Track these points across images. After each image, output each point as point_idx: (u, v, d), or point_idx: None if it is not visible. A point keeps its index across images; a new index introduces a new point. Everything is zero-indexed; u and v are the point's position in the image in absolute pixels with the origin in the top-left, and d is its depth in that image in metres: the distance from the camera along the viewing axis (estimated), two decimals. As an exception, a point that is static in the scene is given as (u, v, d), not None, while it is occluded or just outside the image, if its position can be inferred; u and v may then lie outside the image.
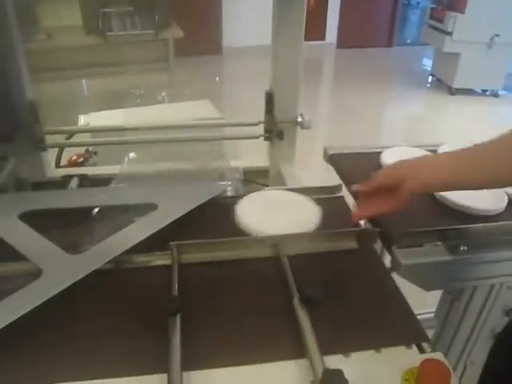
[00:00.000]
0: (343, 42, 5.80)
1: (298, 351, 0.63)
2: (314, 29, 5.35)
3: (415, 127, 3.96)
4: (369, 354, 0.64)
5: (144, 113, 2.22)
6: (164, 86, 3.54)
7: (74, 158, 2.03)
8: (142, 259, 0.78)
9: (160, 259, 0.78)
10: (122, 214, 0.87)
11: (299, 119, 1.28)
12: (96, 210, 0.88)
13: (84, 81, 3.21)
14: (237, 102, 3.34)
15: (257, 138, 1.33)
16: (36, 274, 0.72)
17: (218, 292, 0.73)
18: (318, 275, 0.78)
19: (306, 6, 1.20)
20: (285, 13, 1.18)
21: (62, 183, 1.28)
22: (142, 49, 3.45)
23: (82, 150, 2.04)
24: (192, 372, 0.59)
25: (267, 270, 0.78)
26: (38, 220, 0.85)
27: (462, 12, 4.08)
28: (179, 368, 0.57)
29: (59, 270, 0.72)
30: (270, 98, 1.27)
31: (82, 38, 3.21)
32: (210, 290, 0.73)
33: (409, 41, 6.52)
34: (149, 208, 0.87)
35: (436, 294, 1.10)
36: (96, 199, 0.90)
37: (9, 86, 1.19)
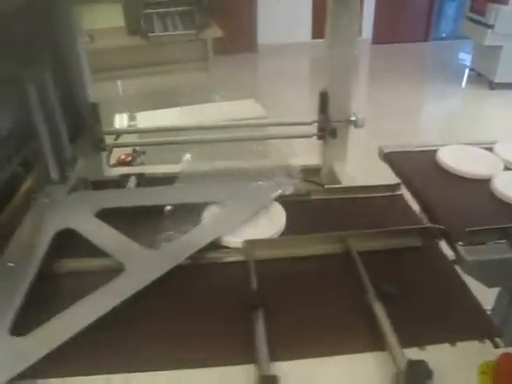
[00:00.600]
0: (379, 37, 5.75)
1: (374, 344, 0.65)
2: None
3: (455, 123, 3.91)
4: (444, 347, 0.65)
5: (191, 112, 2.27)
6: (204, 85, 3.59)
7: (123, 157, 2.08)
8: (215, 255, 0.82)
9: (232, 255, 0.82)
10: (191, 213, 0.91)
11: (353, 118, 1.30)
12: (167, 207, 0.92)
13: (127, 81, 3.28)
14: (276, 98, 3.36)
15: (310, 136, 1.35)
16: (118, 269, 0.76)
17: (292, 287, 0.76)
18: (386, 271, 0.80)
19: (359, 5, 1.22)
20: (340, 13, 1.20)
21: (120, 182, 1.33)
22: (182, 48, 3.51)
23: (129, 149, 2.10)
24: (278, 363, 0.62)
25: (337, 266, 0.81)
26: (112, 217, 0.89)
27: (506, 4, 4.00)
28: (267, 358, 0.60)
29: (141, 265, 0.76)
30: (324, 98, 1.28)
31: (124, 39, 3.28)
32: (284, 284, 0.76)
33: (444, 34, 6.42)
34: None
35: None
36: (166, 198, 0.94)
37: (73, 87, 1.24)
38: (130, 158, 2.10)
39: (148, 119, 2.14)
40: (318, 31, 5.49)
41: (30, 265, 0.76)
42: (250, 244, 0.80)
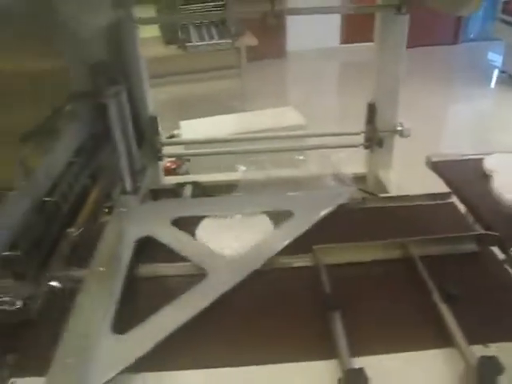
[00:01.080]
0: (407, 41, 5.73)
1: (441, 342, 0.70)
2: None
3: (486, 125, 3.90)
4: (508, 345, 0.70)
5: (232, 120, 2.34)
6: (239, 91, 3.68)
7: (168, 164, 2.16)
8: (286, 261, 0.89)
9: (300, 261, 0.89)
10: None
11: (399, 128, 1.35)
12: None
13: (164, 88, 3.38)
14: (307, 104, 3.42)
15: (357, 146, 1.42)
16: (199, 274, 0.84)
17: (360, 289, 0.82)
18: (446, 275, 0.85)
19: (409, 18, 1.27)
20: (389, 25, 1.26)
21: (176, 190, 1.41)
22: (217, 56, 3.59)
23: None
24: (356, 358, 0.68)
25: (399, 270, 0.87)
26: (185, 226, 0.97)
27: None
28: (348, 353, 0.67)
29: (223, 270, 0.83)
30: (372, 109, 1.35)
31: (161, 49, 3.38)
32: (352, 287, 0.82)
33: (472, 35, 6.38)
34: (284, 215, 0.97)
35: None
36: (236, 207, 1.01)
37: (135, 101, 1.32)
38: (174, 166, 2.19)
39: (191, 127, 2.22)
40: (346, 36, 5.53)
41: (119, 270, 0.84)
42: (320, 250, 0.87)
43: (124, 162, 1.05)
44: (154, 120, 1.36)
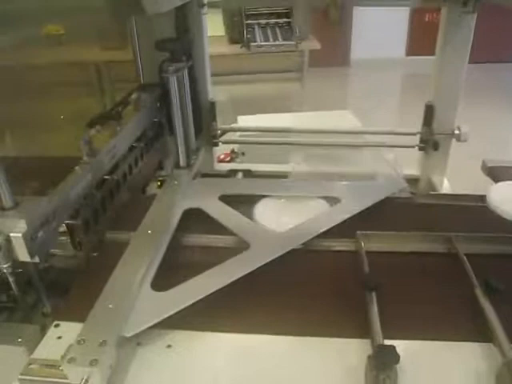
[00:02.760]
0: (475, 56, 5.58)
1: (479, 335, 0.69)
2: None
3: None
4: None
5: (288, 119, 2.36)
6: (298, 95, 3.70)
7: (222, 156, 2.20)
8: (328, 243, 0.89)
9: (342, 245, 0.89)
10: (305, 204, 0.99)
11: (456, 131, 1.33)
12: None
13: (225, 87, 3.44)
14: (366, 112, 3.39)
15: (412, 147, 1.40)
16: (241, 246, 0.86)
17: (400, 277, 0.82)
18: (490, 272, 0.83)
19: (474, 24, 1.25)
20: (453, 29, 1.24)
21: (228, 176, 1.44)
22: (279, 59, 3.63)
23: (228, 149, 2.21)
24: (390, 340, 0.67)
25: (441, 264, 0.86)
26: (231, 203, 1.00)
27: None
28: (381, 335, 0.67)
29: (264, 244, 0.85)
30: (430, 111, 1.33)
31: (226, 47, 3.45)
32: (392, 274, 0.82)
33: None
34: (332, 201, 0.98)
35: None
36: (285, 189, 1.03)
37: (197, 86, 1.36)
38: (228, 158, 2.22)
39: (248, 122, 2.25)
40: (412, 48, 5.45)
41: (165, 234, 0.87)
42: (363, 236, 0.87)
43: (180, 137, 1.09)
44: (212, 105, 1.40)
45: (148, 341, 0.70)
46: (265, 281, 0.80)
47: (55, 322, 0.74)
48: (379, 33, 5.23)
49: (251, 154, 2.03)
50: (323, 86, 4.32)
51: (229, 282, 0.76)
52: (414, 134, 1.38)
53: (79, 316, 0.71)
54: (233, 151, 2.23)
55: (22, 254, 0.70)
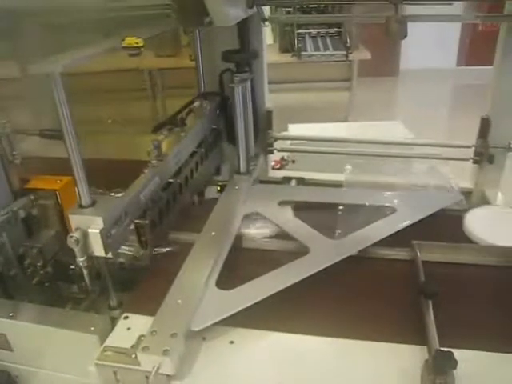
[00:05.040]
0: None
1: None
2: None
3: None
4: None
5: (338, 128, 2.38)
6: (348, 104, 3.71)
7: (273, 163, 2.24)
8: (384, 252, 0.92)
9: (397, 254, 0.92)
10: (362, 213, 1.02)
11: (514, 145, 1.32)
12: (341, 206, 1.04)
13: (274, 95, 3.49)
14: (415, 124, 3.37)
15: (467, 160, 1.40)
16: (300, 251, 0.89)
17: (456, 287, 0.83)
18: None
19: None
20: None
21: (282, 183, 1.47)
22: (328, 68, 3.65)
23: (278, 156, 2.25)
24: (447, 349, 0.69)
25: (498, 276, 0.87)
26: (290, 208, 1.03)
27: None
28: (437, 342, 0.69)
29: (323, 250, 0.89)
30: (486, 124, 1.32)
31: (276, 56, 3.50)
32: (449, 284, 0.84)
33: None
34: (386, 210, 1.01)
35: None
36: (341, 198, 1.06)
37: (255, 94, 1.40)
38: (278, 166, 2.26)
39: (299, 131, 2.29)
40: (463, 58, 5.37)
41: (227, 236, 0.92)
42: (419, 245, 0.89)
43: (241, 144, 1.14)
44: (269, 114, 1.44)
45: (212, 336, 0.75)
46: (322, 284, 0.83)
47: (124, 314, 0.79)
48: (429, 43, 5.17)
49: (301, 161, 2.07)
50: (371, 95, 4.31)
51: (289, 284, 0.80)
52: (469, 147, 1.38)
53: (146, 310, 0.77)
54: (283, 159, 2.27)
55: (98, 249, 0.76)
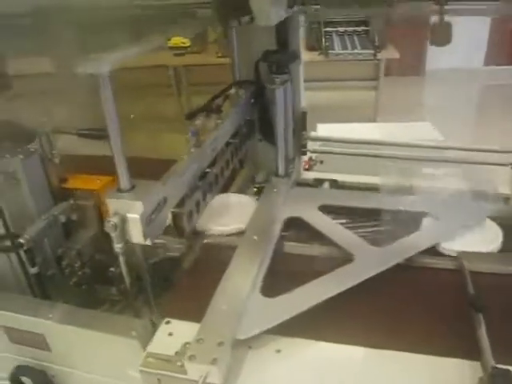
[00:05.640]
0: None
1: None
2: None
3: None
4: None
5: (368, 129, 2.35)
6: (373, 105, 3.66)
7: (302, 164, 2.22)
8: (428, 261, 0.90)
9: (442, 263, 0.89)
10: (403, 220, 1.00)
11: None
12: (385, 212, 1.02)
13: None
14: (442, 125, 3.32)
15: (506, 165, 1.36)
16: (345, 258, 0.88)
17: (507, 299, 0.81)
18: None
19: None
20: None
21: (314, 186, 1.45)
22: (355, 67, 3.61)
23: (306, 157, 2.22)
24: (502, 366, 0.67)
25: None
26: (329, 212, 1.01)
27: None
28: (492, 358, 0.66)
29: (369, 258, 0.87)
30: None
31: (303, 54, 3.47)
32: (498, 295, 0.81)
33: None
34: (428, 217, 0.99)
35: None
36: (379, 202, 1.04)
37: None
38: (307, 166, 2.23)
39: (328, 131, 2.26)
40: (491, 58, 5.27)
41: (269, 241, 0.90)
42: (466, 255, 0.86)
43: (281, 146, 1.12)
44: (304, 115, 1.41)
45: (258, 345, 0.73)
46: (365, 292, 0.81)
47: (166, 319, 0.78)
48: (457, 41, 5.08)
49: (329, 162, 2.04)
50: (397, 95, 4.25)
51: (335, 293, 0.78)
52: (509, 152, 1.35)
53: (187, 314, 0.76)
54: (311, 159, 2.24)
55: (137, 236, 0.73)
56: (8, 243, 0.86)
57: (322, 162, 2.21)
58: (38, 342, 0.79)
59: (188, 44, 0.84)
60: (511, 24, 4.82)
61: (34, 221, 0.88)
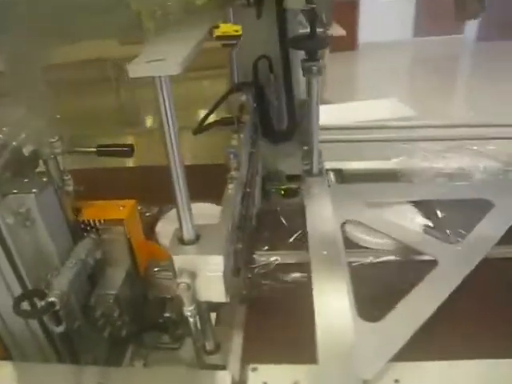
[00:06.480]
0: (486, 34, 5.47)
1: None
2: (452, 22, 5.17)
3: None
4: None
5: (337, 110, 2.28)
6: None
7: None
8: (503, 250, 0.83)
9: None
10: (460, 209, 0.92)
11: None
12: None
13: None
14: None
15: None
16: (425, 261, 0.80)
17: None
18: None
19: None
20: None
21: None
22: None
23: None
24: None
25: None
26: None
27: None
28: None
29: (452, 258, 0.79)
30: None
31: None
32: None
33: None
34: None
35: None
36: (433, 194, 0.97)
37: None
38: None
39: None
40: (419, 29, 5.38)
41: (338, 253, 0.79)
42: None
43: (316, 143, 1.01)
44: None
45: (375, 375, 0.62)
46: (455, 298, 0.72)
47: (252, 366, 0.66)
48: (385, 14, 5.15)
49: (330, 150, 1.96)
50: (335, 72, 4.20)
51: (436, 306, 0.69)
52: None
53: (270, 356, 0.65)
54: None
55: (219, 295, 0.61)
56: (27, 305, 0.68)
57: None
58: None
59: (240, 32, 0.71)
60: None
61: (57, 269, 0.71)
